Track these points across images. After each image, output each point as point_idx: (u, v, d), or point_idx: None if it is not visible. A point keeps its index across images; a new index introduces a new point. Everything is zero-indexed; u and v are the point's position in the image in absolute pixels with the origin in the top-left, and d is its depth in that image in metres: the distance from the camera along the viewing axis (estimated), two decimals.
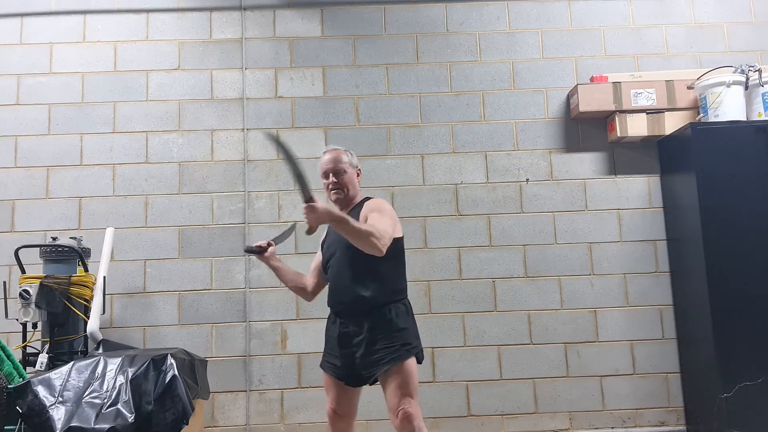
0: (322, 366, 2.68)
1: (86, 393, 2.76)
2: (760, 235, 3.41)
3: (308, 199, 2.25)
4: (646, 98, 3.75)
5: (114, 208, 3.84)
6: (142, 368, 2.83)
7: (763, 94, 3.57)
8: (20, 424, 2.68)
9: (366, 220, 2.47)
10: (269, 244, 2.74)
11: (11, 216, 3.81)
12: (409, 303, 2.62)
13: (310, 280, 2.83)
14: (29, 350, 3.33)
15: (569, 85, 3.95)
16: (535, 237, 3.85)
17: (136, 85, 3.94)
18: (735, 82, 3.55)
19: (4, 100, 3.90)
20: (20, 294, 3.21)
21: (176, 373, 2.84)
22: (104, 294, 3.42)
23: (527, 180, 3.90)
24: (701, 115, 3.64)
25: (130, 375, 2.80)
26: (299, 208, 3.78)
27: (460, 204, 3.88)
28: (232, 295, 3.80)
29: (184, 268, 3.81)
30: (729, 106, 3.53)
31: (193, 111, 3.93)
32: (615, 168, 3.92)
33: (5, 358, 2.90)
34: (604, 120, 3.92)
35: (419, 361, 2.55)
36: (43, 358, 3.19)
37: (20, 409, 2.70)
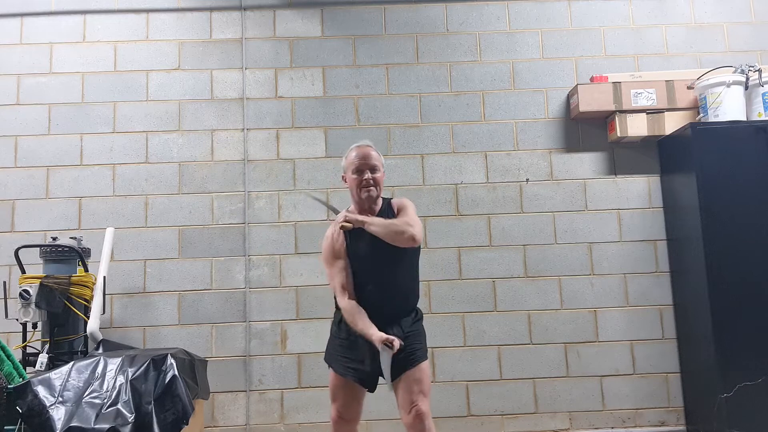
0: (339, 372, 2.59)
1: (86, 393, 2.76)
2: (760, 235, 3.41)
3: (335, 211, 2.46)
4: (646, 98, 3.75)
5: (114, 208, 3.84)
6: (142, 368, 2.83)
7: (763, 94, 3.57)
8: (20, 424, 2.69)
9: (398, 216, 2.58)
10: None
11: (11, 216, 3.81)
12: None
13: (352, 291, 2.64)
14: (29, 350, 3.33)
15: (569, 85, 3.95)
16: (535, 237, 3.85)
17: (136, 85, 3.94)
18: (735, 82, 3.55)
19: (4, 100, 3.90)
20: (20, 294, 3.21)
21: (176, 373, 2.84)
22: (104, 294, 3.41)
23: (527, 180, 3.90)
24: (701, 115, 3.64)
25: (130, 375, 2.80)
26: (299, 208, 3.82)
27: (460, 204, 3.88)
28: (232, 295, 3.80)
29: (184, 268, 3.81)
30: (729, 106, 3.53)
31: (193, 111, 3.93)
32: (615, 168, 3.92)
33: (5, 358, 2.90)
34: (604, 120, 3.92)
35: None
36: (43, 358, 3.19)
37: (20, 409, 2.70)
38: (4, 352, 2.91)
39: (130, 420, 2.66)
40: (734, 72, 3.61)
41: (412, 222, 2.49)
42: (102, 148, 3.88)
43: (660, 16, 4.04)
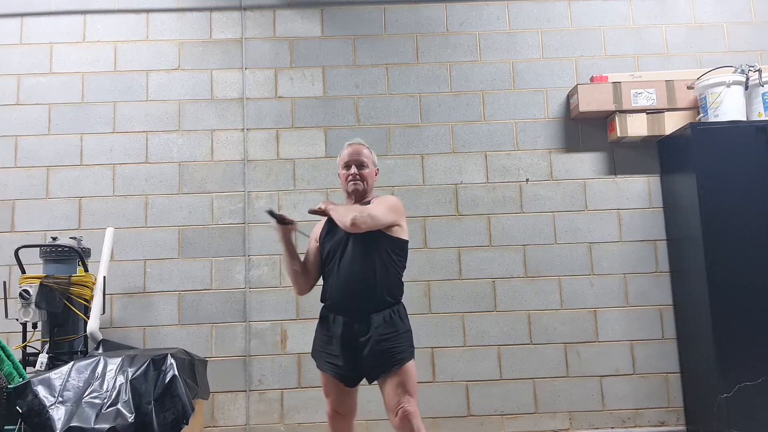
0: (320, 367, 2.65)
1: (86, 393, 2.76)
2: (760, 235, 3.41)
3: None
4: (646, 98, 3.75)
5: (114, 208, 3.84)
6: (142, 368, 2.83)
7: (763, 94, 3.57)
8: (20, 424, 2.69)
9: None
10: (292, 222, 2.71)
11: (11, 216, 3.81)
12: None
13: (310, 272, 2.76)
14: (29, 350, 3.33)
15: (569, 85, 3.95)
16: (535, 237, 3.85)
17: (136, 85, 3.94)
18: (735, 82, 3.55)
19: (4, 100, 3.90)
20: (20, 294, 3.21)
21: (176, 373, 2.84)
22: (104, 294, 3.41)
23: (527, 180, 3.90)
24: (701, 115, 3.64)
25: (130, 375, 2.80)
26: (299, 208, 3.82)
27: (460, 204, 3.88)
28: (232, 295, 3.80)
29: (184, 268, 3.81)
30: (729, 106, 3.53)
31: (193, 111, 3.93)
32: (615, 168, 3.92)
33: (5, 358, 2.90)
34: (604, 120, 3.92)
35: None
36: (43, 358, 3.19)
37: (20, 409, 2.70)
38: (4, 352, 2.91)
39: (130, 420, 2.66)
40: (734, 72, 3.61)
41: (368, 209, 2.50)
42: (102, 148, 3.89)
43: (660, 16, 4.05)
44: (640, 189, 3.90)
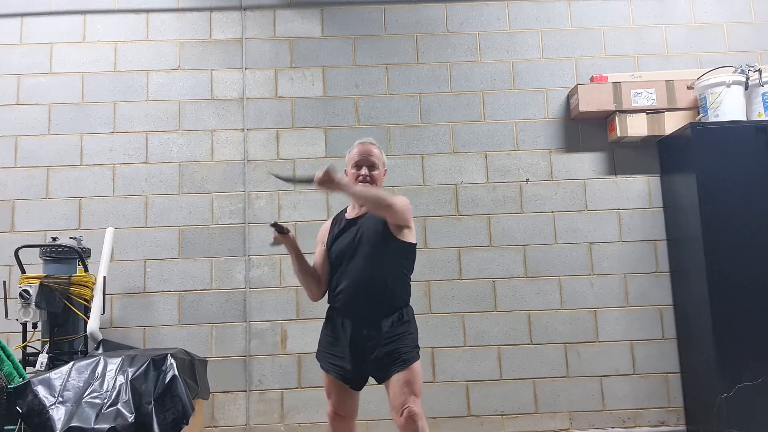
0: (324, 368, 2.62)
1: (86, 393, 2.76)
2: (760, 235, 3.41)
3: (310, 179, 2.37)
4: (646, 98, 3.75)
5: (114, 208, 3.84)
6: (142, 368, 2.83)
7: (763, 94, 3.57)
8: (20, 424, 2.68)
9: None
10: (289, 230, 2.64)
11: (11, 216, 3.81)
12: None
13: (321, 277, 2.71)
14: (29, 350, 3.33)
15: (569, 85, 3.95)
16: (535, 237, 3.85)
17: (136, 85, 3.94)
18: (735, 82, 3.55)
19: (4, 100, 3.90)
20: (20, 294, 3.21)
21: (176, 373, 2.83)
22: (104, 294, 3.41)
23: (527, 180, 3.90)
24: (701, 115, 3.64)
25: (130, 375, 2.80)
26: (299, 208, 3.82)
27: (460, 204, 3.88)
28: (232, 295, 3.80)
29: (184, 268, 3.81)
30: (729, 106, 3.53)
31: (193, 111, 3.93)
32: (615, 168, 3.92)
33: (5, 358, 2.90)
34: (604, 120, 3.92)
35: None
36: (43, 358, 3.19)
37: (20, 409, 2.70)
38: (4, 352, 2.91)
39: (130, 420, 2.66)
40: (734, 72, 3.61)
41: (393, 197, 2.50)
42: (102, 148, 3.89)
43: (660, 16, 4.05)
44: (640, 189, 3.90)
